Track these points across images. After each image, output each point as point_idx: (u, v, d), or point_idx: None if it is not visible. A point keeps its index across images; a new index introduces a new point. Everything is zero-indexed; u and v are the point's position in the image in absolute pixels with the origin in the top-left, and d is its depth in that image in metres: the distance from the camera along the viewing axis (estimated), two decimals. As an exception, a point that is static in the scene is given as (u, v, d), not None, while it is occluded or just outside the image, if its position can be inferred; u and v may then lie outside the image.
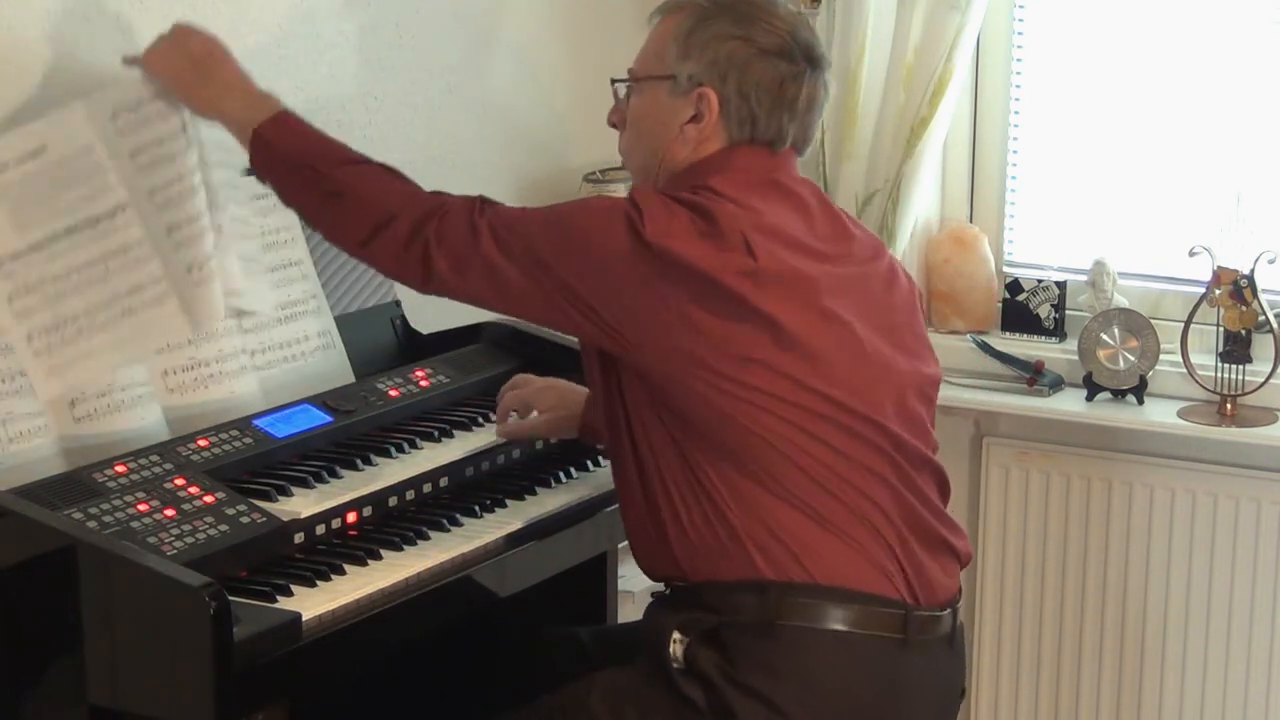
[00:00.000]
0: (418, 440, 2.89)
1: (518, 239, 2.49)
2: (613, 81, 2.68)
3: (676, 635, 2.47)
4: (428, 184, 3.55)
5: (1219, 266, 3.62)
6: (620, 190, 3.69)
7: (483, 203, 2.55)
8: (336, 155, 2.64)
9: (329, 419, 2.86)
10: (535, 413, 2.96)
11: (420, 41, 3.50)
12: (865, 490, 2.48)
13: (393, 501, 2.75)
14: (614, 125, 2.69)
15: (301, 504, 2.63)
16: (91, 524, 2.42)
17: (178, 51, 2.74)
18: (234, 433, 2.74)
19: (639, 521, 2.55)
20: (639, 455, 2.51)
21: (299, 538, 2.59)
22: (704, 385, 2.42)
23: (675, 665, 2.47)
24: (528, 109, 3.78)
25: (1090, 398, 3.75)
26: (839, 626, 2.44)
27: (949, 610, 2.56)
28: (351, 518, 2.68)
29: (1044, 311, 3.86)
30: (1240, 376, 3.64)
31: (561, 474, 2.92)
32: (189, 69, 2.73)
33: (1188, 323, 3.66)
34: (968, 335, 3.88)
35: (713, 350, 2.42)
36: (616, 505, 2.69)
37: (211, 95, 2.72)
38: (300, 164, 2.63)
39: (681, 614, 2.48)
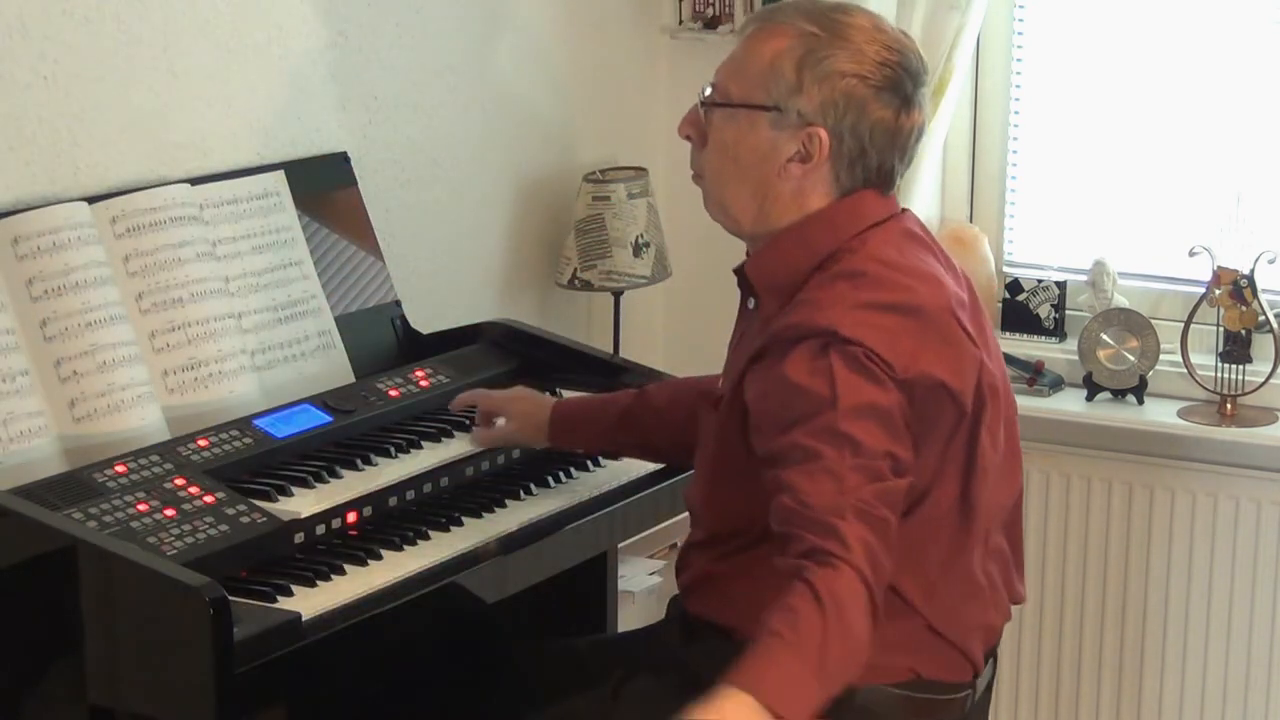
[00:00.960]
0: (418, 440, 2.88)
1: (881, 479, 2.25)
2: (702, 99, 2.46)
3: None
4: (428, 183, 3.57)
5: (1219, 266, 3.62)
6: (620, 190, 3.69)
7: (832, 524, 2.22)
8: (813, 660, 2.14)
9: (329, 419, 2.86)
10: (502, 421, 2.90)
11: (420, 41, 3.50)
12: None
13: (393, 501, 2.75)
14: (687, 138, 2.50)
15: (301, 504, 2.63)
16: (91, 524, 2.42)
17: None
18: (234, 433, 2.74)
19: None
20: None
21: (299, 538, 2.59)
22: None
23: None
24: (528, 109, 3.78)
25: (1090, 398, 3.75)
26: (902, 717, 2.42)
27: (993, 656, 2.56)
28: (351, 518, 2.68)
29: (1044, 311, 3.86)
30: (1240, 376, 3.64)
31: (561, 474, 2.92)
32: None
33: (1188, 323, 3.66)
34: (968, 335, 3.88)
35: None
36: (616, 505, 2.68)
37: None
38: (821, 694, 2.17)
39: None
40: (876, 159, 2.41)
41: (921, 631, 2.41)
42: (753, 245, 2.51)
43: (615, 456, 2.93)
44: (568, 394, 3.11)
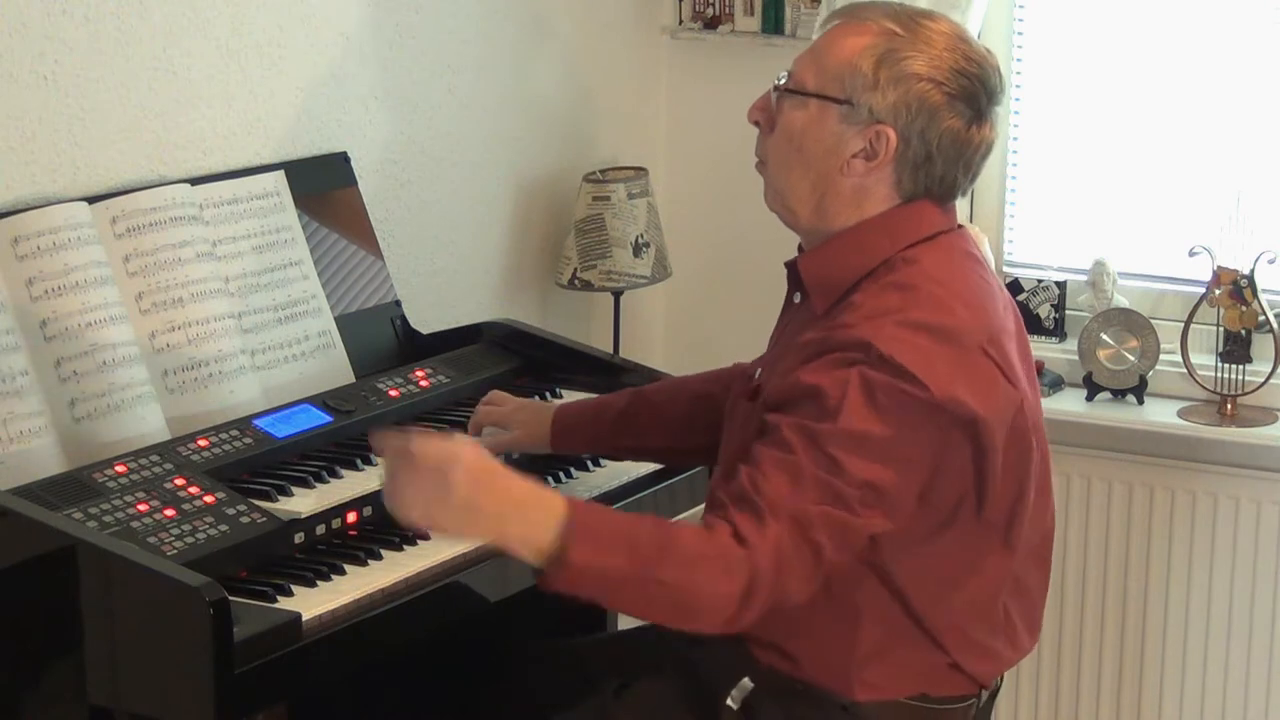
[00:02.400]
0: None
1: (840, 508, 2.24)
2: (776, 87, 2.43)
3: (747, 680, 2.43)
4: (428, 183, 3.57)
5: (1219, 266, 3.62)
6: (620, 190, 3.69)
7: (781, 518, 2.24)
8: (642, 553, 2.23)
9: (329, 419, 2.86)
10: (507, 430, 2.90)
11: (420, 41, 3.51)
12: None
13: (393, 501, 2.75)
14: (756, 124, 2.46)
15: (301, 504, 2.63)
16: (91, 524, 2.42)
17: (439, 501, 2.23)
18: (234, 433, 2.74)
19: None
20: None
21: (299, 538, 2.59)
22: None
23: (730, 705, 2.43)
24: (528, 109, 3.79)
25: (1090, 398, 3.75)
26: None
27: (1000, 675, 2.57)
28: (351, 518, 2.68)
29: (1044, 311, 3.86)
30: (1240, 376, 3.64)
31: (561, 473, 2.92)
32: (459, 513, 2.25)
33: (1188, 323, 3.66)
34: (968, 335, 3.88)
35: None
36: (616, 505, 2.67)
37: (487, 528, 2.27)
38: (608, 585, 2.26)
39: (762, 664, 2.43)
40: (941, 168, 2.38)
41: (942, 667, 2.42)
42: (807, 242, 2.48)
43: (617, 458, 2.93)
44: (569, 395, 3.12)
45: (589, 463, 2.95)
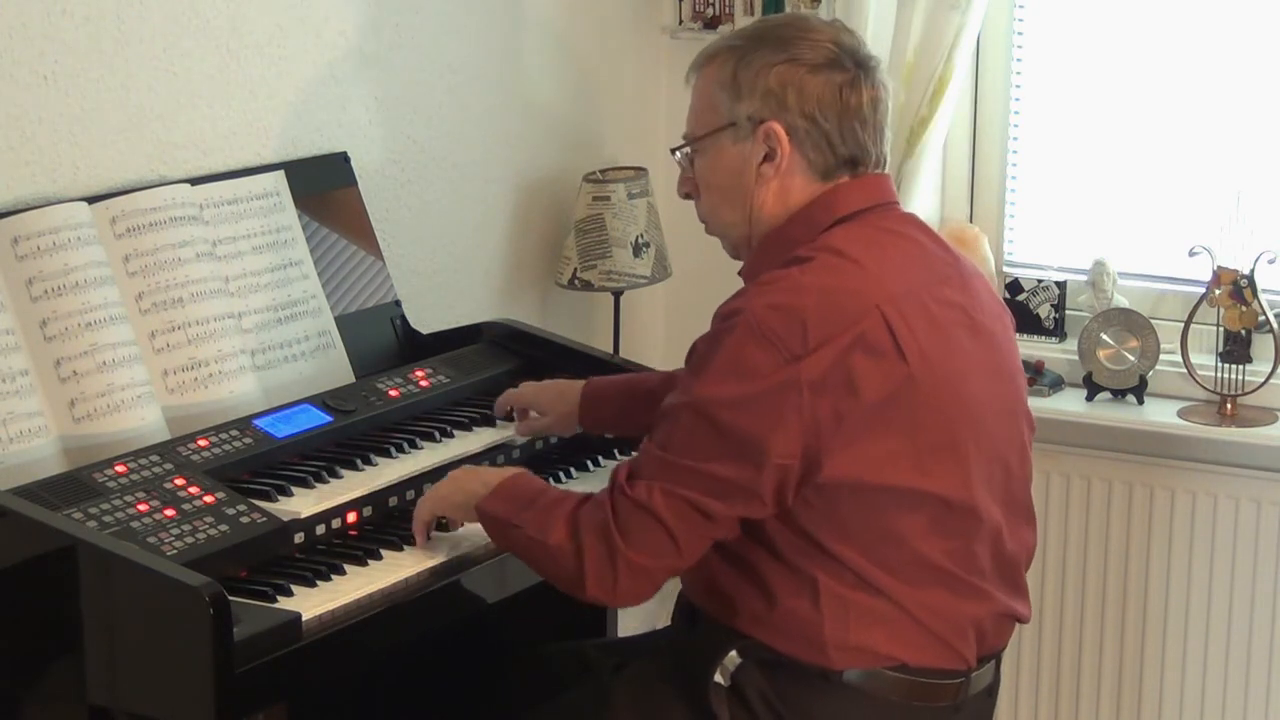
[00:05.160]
0: (418, 440, 2.89)
1: (676, 472, 2.36)
2: (673, 151, 2.57)
3: (734, 654, 2.45)
4: (427, 183, 3.57)
5: (1219, 266, 3.62)
6: (620, 190, 3.69)
7: (618, 486, 2.40)
8: (519, 505, 2.50)
9: (329, 419, 2.87)
10: (535, 414, 2.97)
11: (420, 41, 3.50)
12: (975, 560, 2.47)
13: (393, 501, 2.75)
14: (687, 196, 2.58)
15: (301, 504, 2.63)
16: (91, 524, 2.42)
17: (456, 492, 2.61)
18: (234, 433, 2.74)
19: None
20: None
21: (299, 538, 2.59)
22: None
23: (718, 680, 2.46)
24: (528, 109, 3.79)
25: (1090, 398, 3.75)
26: (896, 698, 2.43)
27: (995, 659, 2.57)
28: (351, 518, 2.68)
29: (1044, 311, 3.86)
30: (1240, 376, 3.64)
31: (562, 474, 2.92)
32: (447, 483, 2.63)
33: (1188, 323, 3.66)
34: (968, 335, 3.88)
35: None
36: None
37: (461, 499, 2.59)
38: (492, 527, 2.55)
39: (748, 639, 2.45)
40: (838, 134, 2.45)
41: (910, 629, 2.42)
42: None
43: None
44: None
45: (589, 462, 2.96)
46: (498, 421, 3.00)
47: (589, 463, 2.96)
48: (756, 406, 2.32)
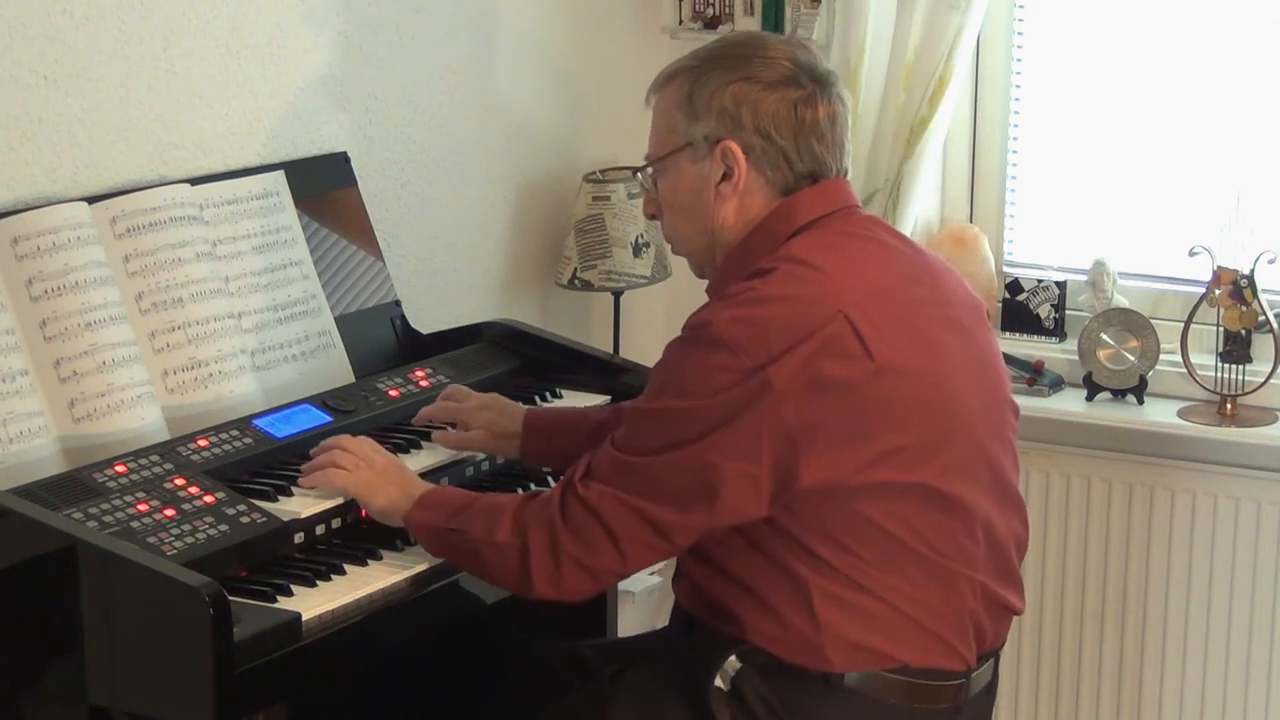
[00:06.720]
0: (418, 440, 2.88)
1: (632, 480, 2.38)
2: (634, 172, 2.60)
3: (734, 658, 2.45)
4: (428, 184, 3.57)
5: (1219, 266, 3.62)
6: (620, 190, 3.69)
7: (571, 484, 2.43)
8: (452, 510, 2.54)
9: (329, 419, 2.86)
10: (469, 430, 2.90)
11: (420, 41, 3.50)
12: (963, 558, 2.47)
13: (393, 501, 2.75)
14: (651, 216, 2.61)
15: (301, 504, 2.63)
16: (91, 524, 2.42)
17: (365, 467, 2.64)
18: (234, 433, 2.74)
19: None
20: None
21: (299, 538, 2.59)
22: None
23: (719, 684, 2.45)
24: (527, 109, 3.79)
25: (1090, 398, 3.75)
26: (897, 701, 2.43)
27: (994, 657, 2.57)
28: (351, 518, 2.68)
29: (1044, 311, 3.86)
30: (1240, 376, 3.64)
31: (561, 474, 2.91)
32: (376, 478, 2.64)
33: (1188, 323, 3.66)
34: (968, 335, 3.88)
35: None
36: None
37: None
38: (427, 537, 2.56)
39: (747, 644, 2.45)
40: (795, 150, 2.45)
41: (907, 630, 2.42)
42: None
43: None
44: (569, 395, 3.11)
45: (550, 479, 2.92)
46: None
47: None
48: (721, 418, 2.32)
